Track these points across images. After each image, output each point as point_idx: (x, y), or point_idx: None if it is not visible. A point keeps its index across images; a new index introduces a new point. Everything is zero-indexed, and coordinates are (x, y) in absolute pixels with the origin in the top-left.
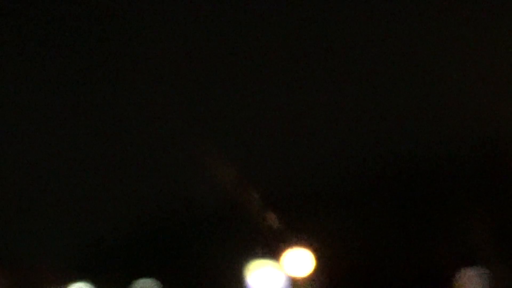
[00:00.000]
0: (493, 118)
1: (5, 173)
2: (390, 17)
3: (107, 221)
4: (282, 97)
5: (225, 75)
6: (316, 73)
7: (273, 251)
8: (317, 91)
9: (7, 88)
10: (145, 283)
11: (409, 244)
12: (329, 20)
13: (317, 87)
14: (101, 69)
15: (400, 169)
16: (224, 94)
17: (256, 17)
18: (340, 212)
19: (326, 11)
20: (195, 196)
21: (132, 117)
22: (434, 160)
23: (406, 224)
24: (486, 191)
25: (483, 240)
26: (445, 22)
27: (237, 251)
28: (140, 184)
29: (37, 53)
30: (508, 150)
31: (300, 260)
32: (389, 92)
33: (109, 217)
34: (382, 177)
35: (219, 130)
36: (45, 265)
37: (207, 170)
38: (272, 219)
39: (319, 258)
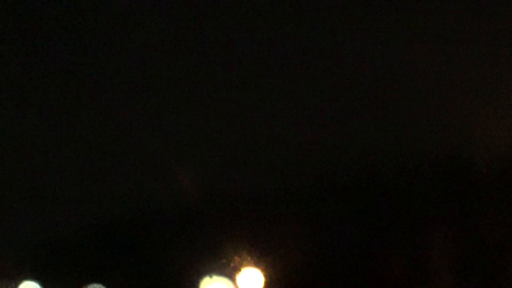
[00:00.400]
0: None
1: None
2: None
3: (60, 222)
4: (244, 105)
5: (190, 79)
6: (283, 82)
7: (225, 268)
8: (280, 102)
9: None
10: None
11: (360, 268)
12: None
13: (282, 98)
14: (61, 71)
15: (352, 191)
16: (188, 99)
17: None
18: (292, 230)
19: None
20: (150, 206)
21: (91, 118)
22: (393, 179)
23: (357, 246)
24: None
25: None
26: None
27: (190, 266)
28: (96, 187)
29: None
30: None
31: (251, 278)
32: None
33: (63, 218)
34: (335, 196)
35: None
36: None
37: (164, 181)
38: (225, 237)
39: (269, 277)
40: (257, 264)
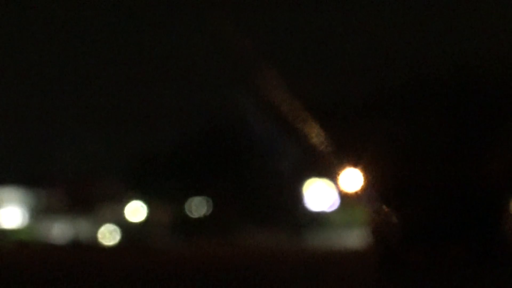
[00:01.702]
0: None
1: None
2: None
3: (160, 141)
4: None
5: None
6: None
7: (326, 170)
8: None
9: None
10: (198, 200)
11: (461, 161)
12: None
13: None
14: None
15: (454, 82)
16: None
17: None
18: (391, 132)
19: None
20: (248, 116)
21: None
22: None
23: (458, 140)
24: None
25: None
26: None
27: (293, 169)
28: (194, 104)
29: None
30: None
31: (351, 177)
32: None
33: (164, 137)
34: (434, 90)
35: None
36: (101, 182)
37: (259, 90)
38: (324, 139)
39: (368, 175)
40: (357, 165)
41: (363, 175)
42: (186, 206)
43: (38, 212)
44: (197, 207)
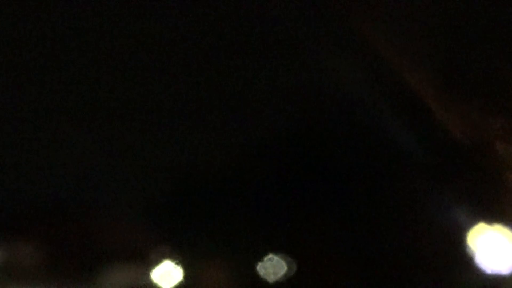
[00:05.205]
0: None
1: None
2: None
3: (211, 150)
4: None
5: None
6: None
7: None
8: None
9: None
10: (276, 261)
11: None
12: None
13: None
14: None
15: None
16: None
17: None
18: None
19: None
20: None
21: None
22: None
23: None
24: None
25: None
26: None
27: (447, 205)
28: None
29: None
30: None
31: None
32: None
33: (219, 141)
34: None
35: None
36: (111, 223)
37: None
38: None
39: None
40: None
41: None
42: (260, 266)
43: None
44: (275, 266)
